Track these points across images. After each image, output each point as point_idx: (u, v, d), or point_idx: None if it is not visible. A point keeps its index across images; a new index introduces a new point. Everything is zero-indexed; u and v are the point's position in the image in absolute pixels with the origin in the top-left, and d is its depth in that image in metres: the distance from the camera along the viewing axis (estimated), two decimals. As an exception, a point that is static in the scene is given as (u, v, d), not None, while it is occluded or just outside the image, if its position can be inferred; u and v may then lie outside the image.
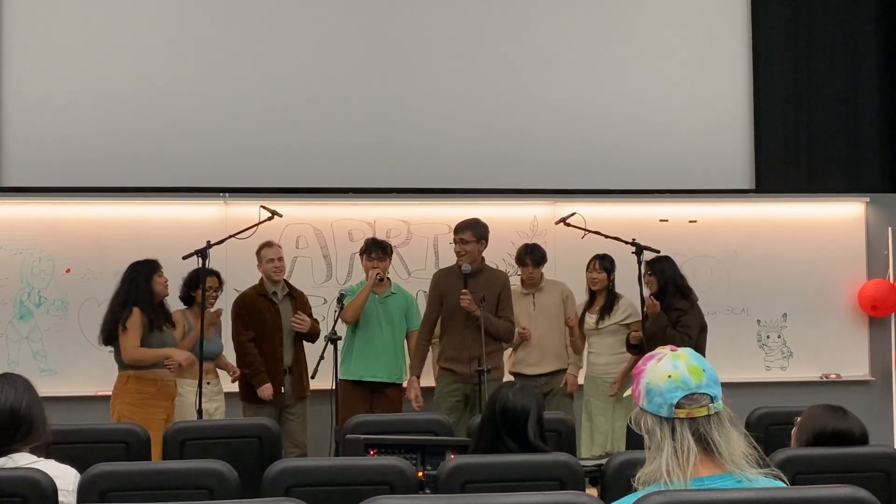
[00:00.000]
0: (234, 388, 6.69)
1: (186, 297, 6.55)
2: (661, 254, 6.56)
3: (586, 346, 6.94)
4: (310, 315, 6.81)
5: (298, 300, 6.79)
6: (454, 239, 6.53)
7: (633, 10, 8.16)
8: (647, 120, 8.07)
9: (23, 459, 3.21)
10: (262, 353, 6.58)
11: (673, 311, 6.45)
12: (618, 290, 6.87)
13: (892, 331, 8.01)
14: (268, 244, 6.73)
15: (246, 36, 7.84)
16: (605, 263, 6.82)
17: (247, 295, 6.71)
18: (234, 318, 6.67)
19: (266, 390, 6.49)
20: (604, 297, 6.85)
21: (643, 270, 6.41)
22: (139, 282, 6.14)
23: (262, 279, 6.73)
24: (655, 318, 6.37)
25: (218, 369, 6.63)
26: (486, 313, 6.28)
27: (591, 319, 6.85)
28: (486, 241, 6.55)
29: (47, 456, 3.28)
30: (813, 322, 7.95)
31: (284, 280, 6.83)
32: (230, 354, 6.75)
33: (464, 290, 6.24)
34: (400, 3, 8.02)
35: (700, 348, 6.25)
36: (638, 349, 6.52)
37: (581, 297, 7.02)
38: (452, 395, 6.42)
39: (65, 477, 3.23)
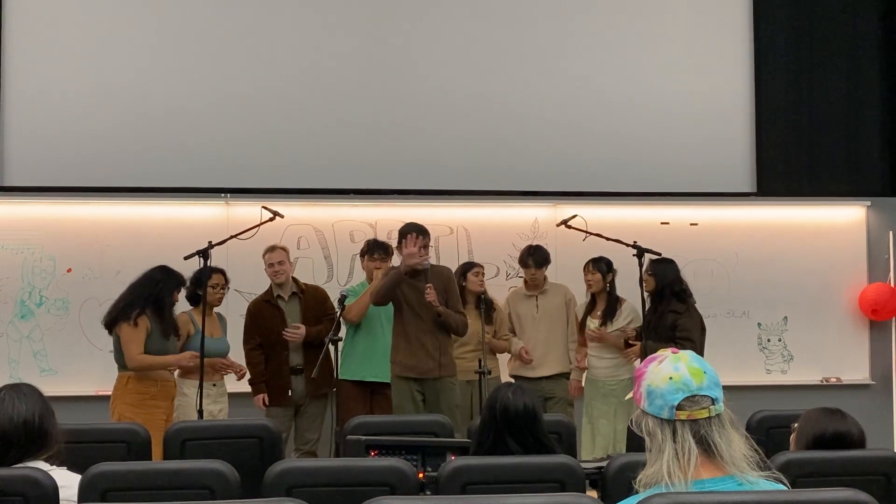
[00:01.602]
0: (239, 389, 6.69)
1: (193, 297, 6.54)
2: (664, 256, 6.56)
3: (588, 349, 6.93)
4: (324, 311, 6.80)
5: (308, 298, 6.80)
6: (417, 241, 6.12)
7: (634, 14, 8.16)
8: (649, 123, 8.07)
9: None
10: (268, 358, 6.64)
11: (668, 314, 6.46)
12: (618, 292, 6.87)
13: (892, 335, 8.01)
14: (270, 248, 6.76)
15: (248, 36, 7.84)
16: (599, 265, 6.83)
17: (255, 302, 6.81)
18: (244, 327, 6.75)
19: (257, 401, 6.61)
20: (604, 300, 6.86)
21: (644, 269, 6.43)
22: (165, 290, 6.08)
23: (271, 283, 6.77)
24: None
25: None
26: (444, 308, 6.11)
27: (593, 324, 6.85)
28: None
29: (60, 464, 3.28)
30: (813, 325, 7.95)
31: (294, 279, 6.84)
32: (237, 356, 6.72)
33: (428, 285, 6.08)
34: (402, 4, 8.02)
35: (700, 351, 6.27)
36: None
37: (582, 300, 7.03)
38: (414, 400, 6.11)
39: (74, 487, 3.24)
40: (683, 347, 6.01)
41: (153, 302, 6.04)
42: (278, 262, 6.69)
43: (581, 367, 6.90)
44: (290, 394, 6.61)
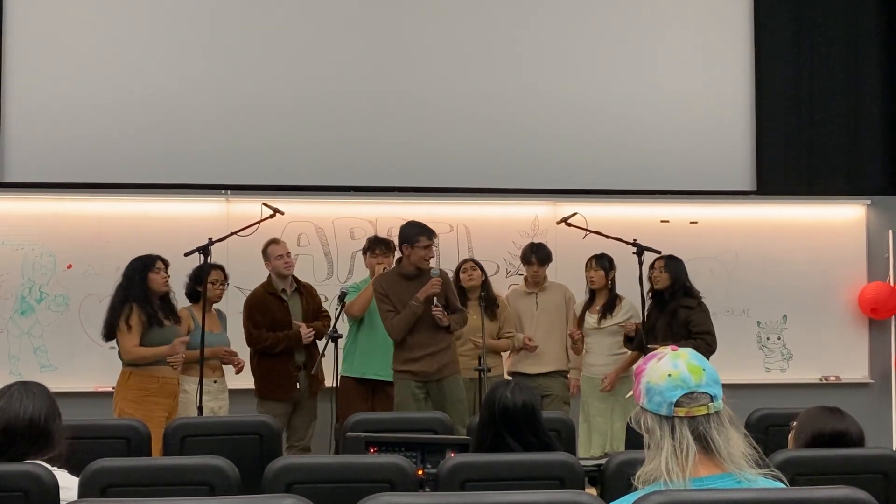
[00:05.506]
0: (239, 385, 6.69)
1: (192, 293, 6.55)
2: (669, 254, 6.58)
3: (584, 346, 6.93)
4: (319, 308, 6.83)
5: (307, 294, 6.80)
6: (428, 246, 6.18)
7: (635, 12, 8.16)
8: (649, 121, 8.07)
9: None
10: (274, 352, 6.59)
11: (681, 310, 6.46)
12: (618, 290, 6.88)
13: (891, 333, 8.01)
14: (274, 241, 6.76)
15: (247, 32, 7.84)
16: (602, 262, 6.84)
17: (257, 294, 6.72)
18: (245, 318, 6.67)
19: (304, 332, 6.52)
20: (604, 296, 6.86)
21: (657, 265, 6.46)
22: (136, 279, 6.12)
23: (269, 277, 6.74)
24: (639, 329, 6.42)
25: (224, 366, 6.59)
26: (449, 316, 6.16)
27: (591, 319, 6.85)
28: None
29: (62, 467, 3.29)
30: (813, 324, 7.96)
31: (293, 275, 6.84)
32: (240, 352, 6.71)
33: (437, 307, 6.06)
34: (401, 2, 8.02)
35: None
36: (635, 342, 6.56)
37: (582, 297, 7.04)
38: (416, 399, 6.10)
39: (74, 489, 3.24)
40: (705, 342, 6.18)
41: (134, 298, 6.05)
42: (286, 255, 6.70)
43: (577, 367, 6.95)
44: (297, 386, 6.59)
